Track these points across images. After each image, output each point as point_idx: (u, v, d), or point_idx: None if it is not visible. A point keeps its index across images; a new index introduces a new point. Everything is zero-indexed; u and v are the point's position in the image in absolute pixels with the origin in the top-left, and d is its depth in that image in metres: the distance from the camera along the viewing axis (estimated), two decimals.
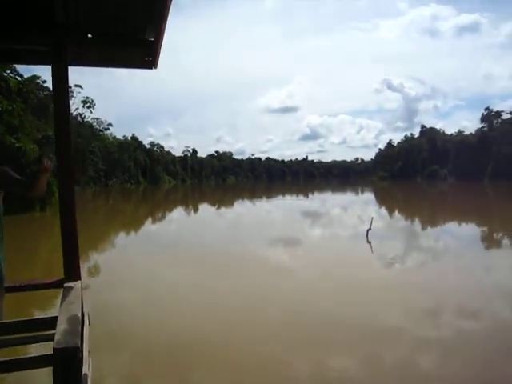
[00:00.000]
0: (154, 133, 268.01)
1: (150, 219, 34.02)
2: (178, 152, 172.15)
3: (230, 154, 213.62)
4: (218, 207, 46.47)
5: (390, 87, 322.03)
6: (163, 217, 36.55)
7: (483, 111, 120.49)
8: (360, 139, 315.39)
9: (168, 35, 3.95)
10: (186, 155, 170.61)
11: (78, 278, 3.95)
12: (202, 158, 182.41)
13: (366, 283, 11.76)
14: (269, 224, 27.51)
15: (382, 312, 9.29)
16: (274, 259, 15.71)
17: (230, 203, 52.88)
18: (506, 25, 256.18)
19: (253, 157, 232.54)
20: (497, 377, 6.32)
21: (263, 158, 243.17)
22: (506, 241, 20.29)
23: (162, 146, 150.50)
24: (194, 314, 9.11)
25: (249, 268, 13.91)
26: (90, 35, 4.12)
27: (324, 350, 7.29)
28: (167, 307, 9.76)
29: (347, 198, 61.49)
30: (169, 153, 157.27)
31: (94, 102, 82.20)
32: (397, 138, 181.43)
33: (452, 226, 26.67)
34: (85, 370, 2.85)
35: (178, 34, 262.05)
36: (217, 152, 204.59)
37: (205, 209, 45.70)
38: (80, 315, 3.03)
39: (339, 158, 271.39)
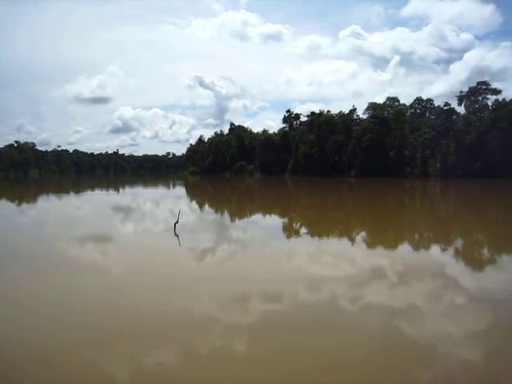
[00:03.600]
0: None
1: None
2: None
3: (33, 144, 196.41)
4: (19, 203, 41.98)
5: (202, 84, 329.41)
6: None
7: (285, 113, 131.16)
8: (172, 134, 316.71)
9: None
10: None
11: None
12: None
13: (172, 276, 11.71)
14: (76, 221, 25.79)
15: (191, 304, 9.31)
16: (84, 257, 14.70)
17: (32, 198, 48.29)
18: (303, 38, 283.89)
19: (59, 149, 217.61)
20: (300, 349, 6.82)
21: (71, 151, 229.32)
22: (303, 230, 22.25)
23: None
24: None
25: (50, 268, 12.75)
26: None
27: (140, 347, 7.00)
28: None
29: (159, 192, 61.28)
30: None
31: None
32: (208, 134, 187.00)
33: (258, 217, 28.34)
34: None
35: None
36: (17, 142, 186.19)
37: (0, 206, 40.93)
38: None
39: (151, 152, 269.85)
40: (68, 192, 60.37)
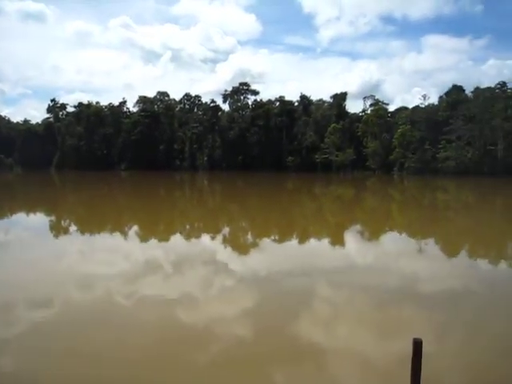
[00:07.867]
0: None
1: None
2: None
3: None
4: None
5: None
6: None
7: (50, 102, 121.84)
8: None
9: None
10: None
11: None
12: None
13: None
14: None
15: None
16: None
17: None
18: (71, 23, 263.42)
19: None
20: (77, 350, 6.80)
21: None
22: (73, 227, 21.41)
23: None
24: None
25: None
26: None
27: None
28: None
29: None
30: None
31: None
32: None
33: (20, 216, 26.14)
34: None
35: None
36: None
37: None
38: None
39: None
40: None
